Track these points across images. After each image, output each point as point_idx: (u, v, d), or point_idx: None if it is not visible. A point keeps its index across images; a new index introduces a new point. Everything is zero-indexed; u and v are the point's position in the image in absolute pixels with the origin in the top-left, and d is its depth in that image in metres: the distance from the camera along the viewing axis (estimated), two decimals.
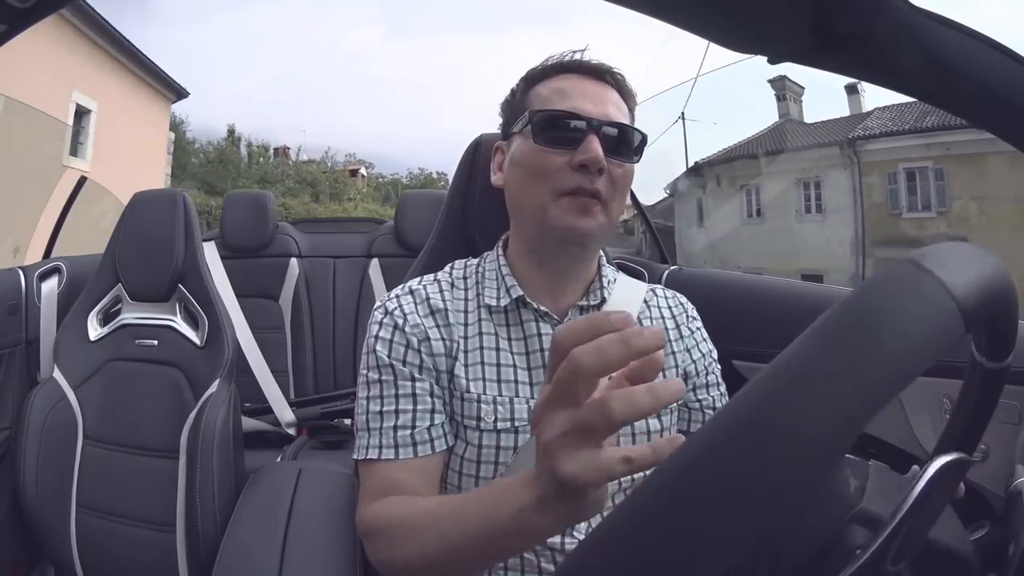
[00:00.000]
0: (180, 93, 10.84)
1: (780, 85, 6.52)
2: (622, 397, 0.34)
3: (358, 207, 15.41)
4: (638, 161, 0.64)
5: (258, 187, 15.11)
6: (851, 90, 6.01)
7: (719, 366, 0.72)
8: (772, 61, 0.52)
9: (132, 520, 1.13)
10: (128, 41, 8.47)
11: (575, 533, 0.61)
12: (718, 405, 0.69)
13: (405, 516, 0.54)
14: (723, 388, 0.71)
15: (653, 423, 0.65)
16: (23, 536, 1.14)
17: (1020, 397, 0.63)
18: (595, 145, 0.59)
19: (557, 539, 0.60)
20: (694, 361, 0.69)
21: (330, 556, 0.67)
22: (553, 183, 0.60)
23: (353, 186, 17.60)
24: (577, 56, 0.65)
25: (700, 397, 0.69)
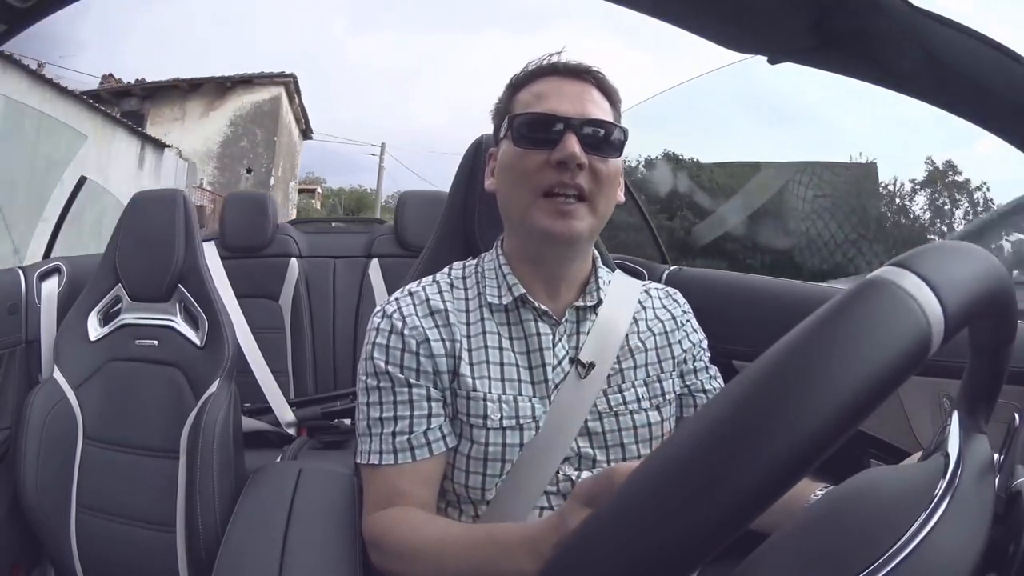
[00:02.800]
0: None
1: None
2: None
3: None
4: (619, 156, 0.64)
5: None
6: None
7: (708, 353, 0.74)
8: (772, 61, 0.52)
9: (132, 520, 1.13)
10: None
11: None
12: (707, 387, 0.71)
13: (412, 540, 0.56)
14: (712, 371, 0.73)
15: (653, 415, 0.66)
16: (23, 536, 1.14)
17: (1020, 397, 0.63)
18: (572, 142, 0.60)
19: None
20: (685, 351, 0.71)
21: (330, 556, 0.67)
22: (533, 183, 0.61)
23: (312, 205, 17.91)
24: (555, 58, 0.66)
25: (690, 382, 0.71)
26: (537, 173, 0.61)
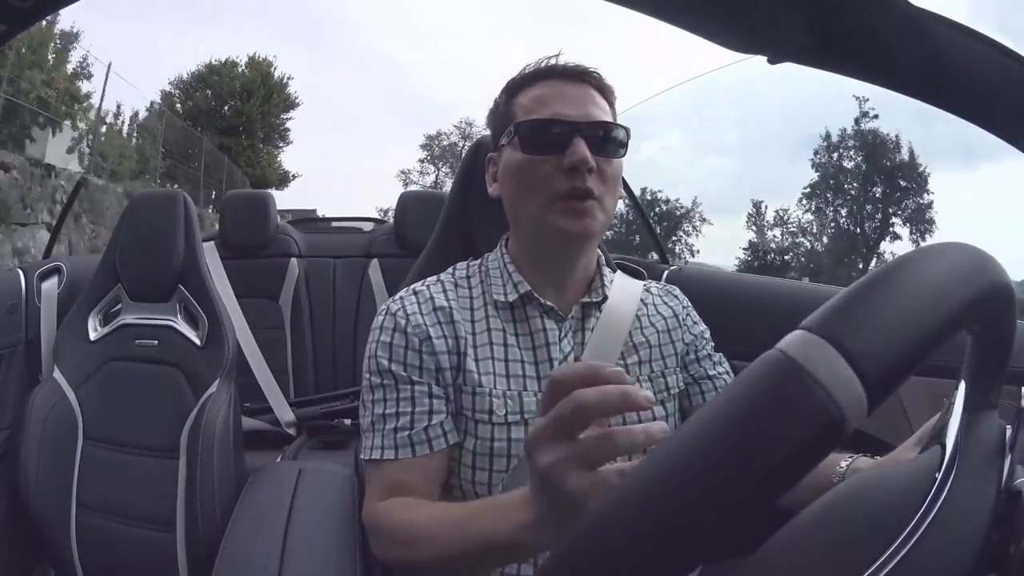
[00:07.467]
0: None
1: None
2: (623, 433, 0.39)
3: None
4: (624, 155, 0.65)
5: None
6: None
7: (711, 342, 0.76)
8: (772, 61, 0.52)
9: (132, 520, 1.13)
10: None
11: None
12: (711, 373, 0.73)
13: (411, 522, 0.56)
14: (716, 357, 0.75)
15: (658, 410, 0.67)
16: (23, 536, 1.14)
17: (1019, 397, 0.63)
18: (581, 147, 0.60)
19: None
20: (687, 344, 0.73)
21: (330, 556, 0.67)
22: (547, 189, 0.62)
23: None
24: (552, 61, 0.66)
25: (694, 372, 0.72)
26: (548, 179, 0.62)
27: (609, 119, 0.65)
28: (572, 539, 0.27)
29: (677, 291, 0.78)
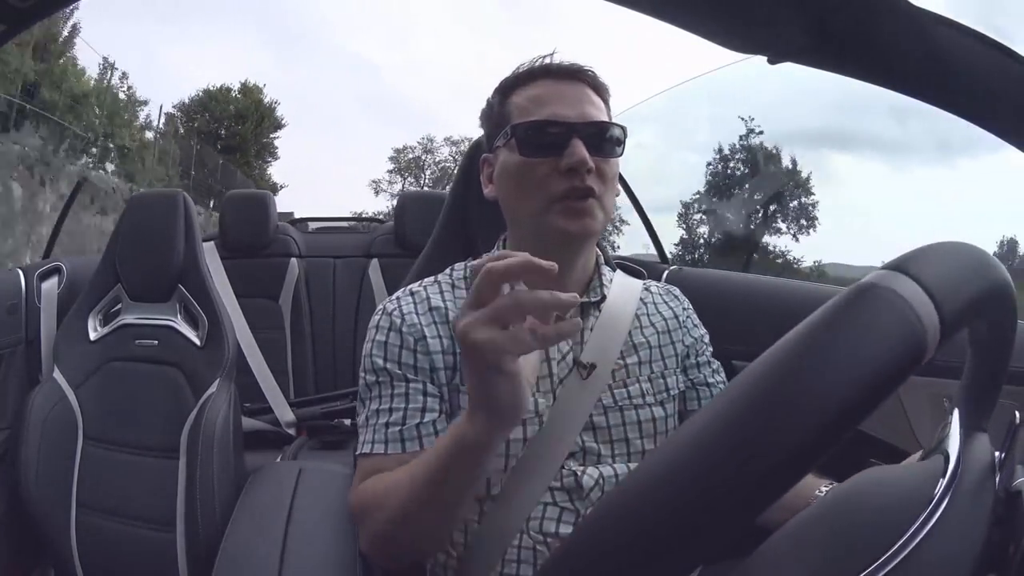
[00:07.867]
0: None
1: None
2: (528, 293, 0.45)
3: None
4: (621, 154, 0.65)
5: None
6: None
7: (710, 348, 0.76)
8: (772, 61, 0.52)
9: (132, 520, 1.13)
10: None
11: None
12: (710, 381, 0.73)
13: (382, 486, 0.58)
14: (715, 364, 0.75)
15: (658, 411, 0.67)
16: (23, 536, 1.14)
17: (1020, 397, 0.63)
18: (580, 148, 0.60)
19: (566, 529, 0.61)
20: (687, 346, 0.72)
21: (330, 556, 0.67)
22: (545, 190, 0.62)
23: None
24: (547, 60, 0.66)
25: (692, 376, 0.72)
26: (547, 180, 0.62)
27: (605, 118, 0.64)
28: (572, 539, 0.27)
29: (678, 292, 0.77)
